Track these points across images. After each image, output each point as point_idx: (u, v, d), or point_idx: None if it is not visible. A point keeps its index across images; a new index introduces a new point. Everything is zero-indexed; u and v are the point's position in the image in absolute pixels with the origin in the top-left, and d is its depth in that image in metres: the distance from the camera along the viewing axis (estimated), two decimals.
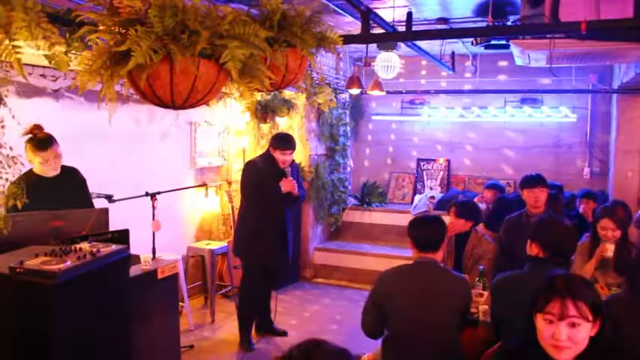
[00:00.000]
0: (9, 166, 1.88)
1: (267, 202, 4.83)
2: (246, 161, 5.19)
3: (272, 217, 4.87)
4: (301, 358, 1.38)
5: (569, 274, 2.05)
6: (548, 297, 1.89)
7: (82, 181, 3.91)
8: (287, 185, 4.81)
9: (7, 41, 1.55)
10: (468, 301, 3.06)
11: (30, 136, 3.54)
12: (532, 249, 2.87)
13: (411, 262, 3.10)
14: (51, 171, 3.65)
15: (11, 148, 1.90)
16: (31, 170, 3.55)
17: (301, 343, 1.42)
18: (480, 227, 4.52)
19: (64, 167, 3.76)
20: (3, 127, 1.83)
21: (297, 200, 5.05)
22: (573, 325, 1.85)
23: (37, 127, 3.56)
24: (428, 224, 3.07)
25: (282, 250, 4.96)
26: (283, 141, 4.88)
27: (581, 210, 5.41)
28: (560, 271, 2.11)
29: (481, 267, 3.90)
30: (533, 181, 4.29)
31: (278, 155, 4.81)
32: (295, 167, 5.13)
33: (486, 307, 3.21)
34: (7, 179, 1.95)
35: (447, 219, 4.50)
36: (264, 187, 4.78)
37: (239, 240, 4.99)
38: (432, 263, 3.02)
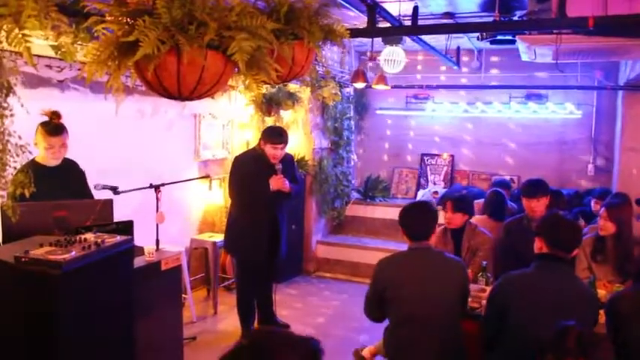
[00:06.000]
0: (17, 155, 1.89)
1: (253, 201, 4.67)
2: (234, 157, 5.03)
3: (261, 214, 4.69)
4: (253, 349, 1.35)
5: (579, 329, 1.99)
6: (560, 357, 1.85)
7: (81, 173, 3.95)
8: (276, 183, 4.57)
9: (16, 30, 1.55)
10: (466, 284, 3.10)
11: (46, 119, 3.65)
12: (536, 244, 2.89)
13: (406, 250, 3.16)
14: (52, 159, 3.70)
15: (20, 137, 1.91)
16: (33, 159, 3.56)
17: (252, 332, 1.38)
18: (475, 219, 4.54)
19: (64, 159, 3.81)
20: (12, 115, 1.83)
21: (289, 196, 4.79)
22: None
23: (55, 114, 3.68)
24: (420, 214, 3.12)
25: (273, 245, 4.79)
26: (275, 134, 4.63)
27: (592, 208, 5.39)
28: (570, 323, 2.06)
29: (484, 262, 3.91)
30: (531, 190, 4.16)
31: (269, 149, 4.58)
32: (289, 160, 4.93)
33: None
34: (15, 167, 1.96)
35: (441, 214, 4.54)
36: (251, 185, 4.60)
37: (228, 236, 4.95)
38: (427, 249, 3.08)
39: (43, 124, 3.64)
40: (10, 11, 1.52)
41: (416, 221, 3.09)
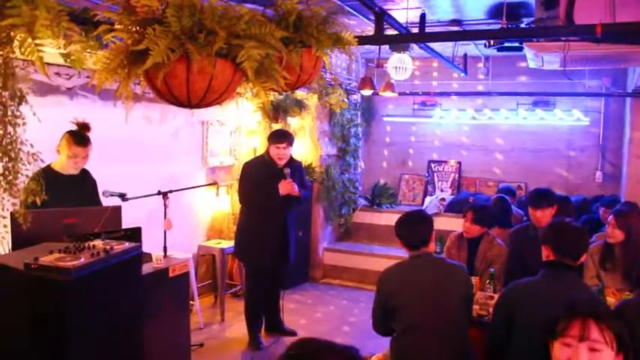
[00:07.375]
0: (29, 163, 1.90)
1: (263, 206, 4.73)
2: (244, 162, 5.08)
3: (271, 219, 4.75)
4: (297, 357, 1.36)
5: (595, 297, 1.92)
6: (569, 319, 1.72)
7: (93, 183, 3.98)
8: (285, 187, 4.64)
9: (29, 40, 1.57)
10: (468, 288, 3.12)
11: (75, 128, 3.70)
12: (544, 252, 2.87)
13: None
14: (72, 169, 3.73)
15: (32, 145, 1.92)
16: (48, 166, 3.59)
17: (300, 343, 1.39)
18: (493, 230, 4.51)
19: None
20: (25, 124, 1.85)
21: (299, 201, 4.88)
22: (594, 349, 1.67)
23: (86, 125, 3.74)
24: (415, 224, 3.12)
25: (282, 251, 4.84)
26: (277, 134, 4.78)
27: (601, 216, 5.36)
28: (587, 293, 1.99)
29: (492, 269, 3.89)
30: (536, 200, 4.13)
31: (272, 150, 4.68)
32: (298, 166, 5.00)
33: None
34: (27, 176, 1.97)
35: (460, 222, 4.51)
36: (261, 191, 4.66)
37: (238, 242, 4.97)
38: (427, 254, 3.09)
39: (72, 133, 3.67)
40: (23, 21, 1.54)
41: (411, 230, 3.10)
